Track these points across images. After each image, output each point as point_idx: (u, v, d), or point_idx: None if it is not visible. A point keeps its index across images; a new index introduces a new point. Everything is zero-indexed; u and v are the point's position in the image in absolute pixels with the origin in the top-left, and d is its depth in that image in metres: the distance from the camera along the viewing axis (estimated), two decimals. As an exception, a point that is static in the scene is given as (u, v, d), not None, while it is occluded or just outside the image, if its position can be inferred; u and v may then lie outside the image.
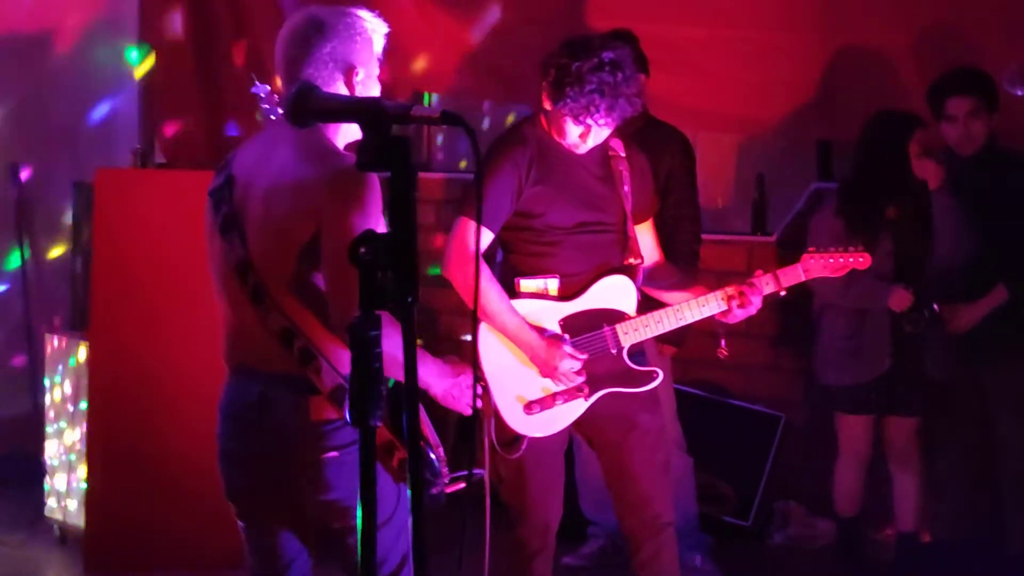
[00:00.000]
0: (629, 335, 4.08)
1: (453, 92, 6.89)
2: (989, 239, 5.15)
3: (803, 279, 4.17)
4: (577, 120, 3.97)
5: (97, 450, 5.52)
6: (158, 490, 5.41)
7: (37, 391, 6.50)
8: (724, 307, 4.08)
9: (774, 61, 6.11)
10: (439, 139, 7.35)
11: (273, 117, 3.47)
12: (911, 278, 5.22)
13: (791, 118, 6.19)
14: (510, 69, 6.44)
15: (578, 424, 4.14)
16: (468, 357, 3.24)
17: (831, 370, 5.41)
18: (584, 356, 4.02)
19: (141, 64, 7.15)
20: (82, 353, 5.69)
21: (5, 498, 6.38)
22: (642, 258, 4.17)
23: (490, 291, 3.94)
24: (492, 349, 4.00)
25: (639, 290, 4.17)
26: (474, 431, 3.12)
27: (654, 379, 4.12)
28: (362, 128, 2.26)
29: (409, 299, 2.12)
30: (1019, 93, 5.27)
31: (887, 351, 5.27)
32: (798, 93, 6.14)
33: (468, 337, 5.83)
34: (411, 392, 2.16)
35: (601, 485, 4.35)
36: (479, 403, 3.90)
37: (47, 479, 6.00)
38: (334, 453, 3.08)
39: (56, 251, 6.99)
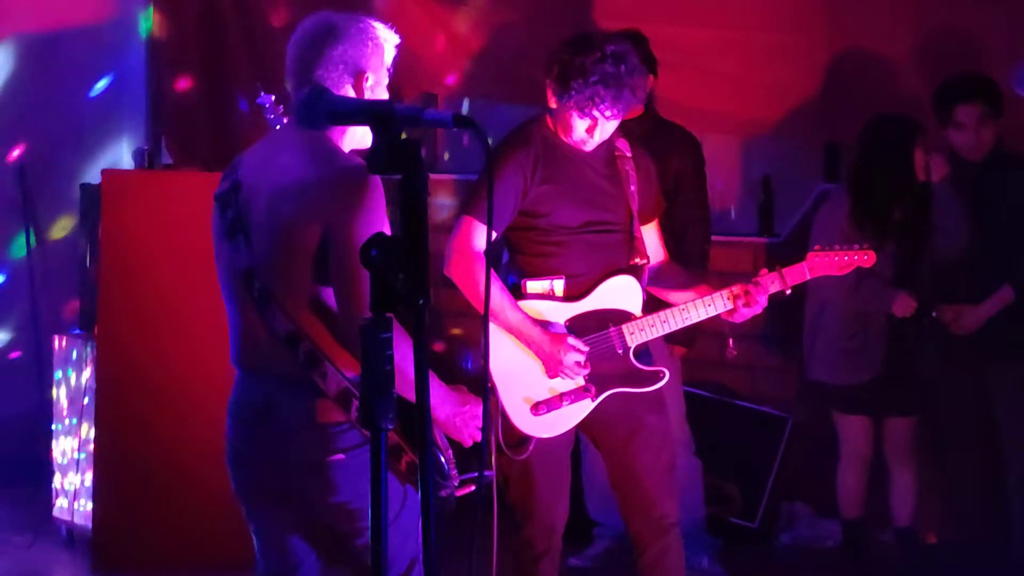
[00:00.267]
0: (635, 335, 4.08)
1: (459, 94, 6.89)
2: (996, 240, 5.17)
3: (808, 277, 4.17)
4: (583, 113, 3.97)
5: (105, 451, 5.52)
6: (166, 490, 5.42)
7: (44, 392, 6.50)
8: (730, 306, 4.08)
9: (781, 63, 6.12)
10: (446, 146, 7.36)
11: (278, 127, 3.48)
12: (915, 279, 5.23)
13: (798, 120, 6.20)
14: (517, 70, 6.45)
15: (584, 424, 4.14)
16: (476, 364, 3.23)
17: (830, 369, 5.41)
18: (587, 348, 4.02)
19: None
20: (89, 354, 5.69)
21: (13, 498, 6.40)
22: (648, 258, 4.17)
23: (492, 287, 3.94)
24: (499, 350, 3.99)
25: (645, 290, 4.17)
26: (483, 433, 3.12)
27: (660, 379, 4.12)
28: (373, 131, 2.27)
29: (420, 301, 2.13)
30: None
31: (882, 354, 5.28)
32: (805, 95, 6.14)
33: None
34: (421, 395, 2.16)
35: (607, 486, 4.35)
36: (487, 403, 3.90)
37: (55, 479, 6.01)
38: (340, 456, 3.08)
39: (63, 251, 7.00)
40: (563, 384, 4.05)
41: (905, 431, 5.45)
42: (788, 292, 4.14)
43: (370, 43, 3.19)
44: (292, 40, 3.22)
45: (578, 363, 4.00)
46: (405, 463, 3.12)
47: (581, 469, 5.54)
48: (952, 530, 5.65)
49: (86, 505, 5.67)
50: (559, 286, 4.06)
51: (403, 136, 2.23)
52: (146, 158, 6.00)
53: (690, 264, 5.06)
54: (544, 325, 4.02)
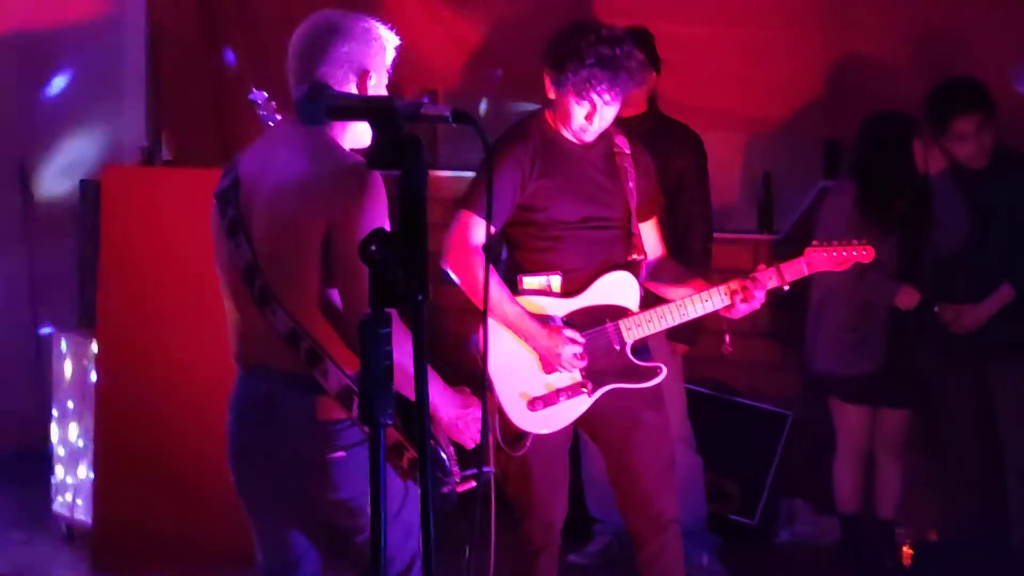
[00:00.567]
0: (632, 331, 4.09)
1: (459, 90, 6.89)
2: (996, 238, 5.17)
3: (806, 273, 4.16)
4: (580, 97, 3.97)
5: (105, 448, 5.53)
6: (166, 487, 5.42)
7: (44, 389, 6.51)
8: (727, 302, 4.08)
9: (782, 60, 6.13)
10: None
11: (271, 124, 3.47)
12: (918, 272, 5.24)
13: (798, 117, 6.21)
14: (517, 67, 6.45)
15: (582, 420, 4.15)
16: (476, 364, 3.22)
17: (833, 360, 5.42)
18: (584, 340, 4.02)
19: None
20: (90, 351, 5.69)
21: (13, 495, 6.40)
22: (645, 254, 4.17)
23: (489, 281, 3.94)
24: (495, 345, 3.99)
25: (642, 286, 4.18)
26: (483, 429, 3.12)
27: (658, 375, 4.12)
28: (373, 127, 2.27)
29: (420, 296, 2.13)
30: None
31: (885, 345, 5.29)
32: (805, 92, 6.15)
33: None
34: (420, 389, 2.16)
35: (607, 483, 4.36)
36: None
37: (55, 476, 6.01)
38: (341, 453, 3.09)
39: (63, 247, 7.00)
40: (560, 380, 4.05)
41: (898, 424, 5.48)
42: (786, 288, 4.14)
43: (374, 43, 3.20)
44: (295, 37, 3.22)
45: (576, 355, 4.00)
46: (407, 460, 3.12)
47: (581, 466, 5.54)
48: (951, 528, 5.66)
49: (86, 502, 5.67)
50: (556, 282, 4.07)
51: (404, 131, 2.23)
52: (146, 154, 6.00)
53: (693, 261, 5.06)
54: (541, 319, 4.02)
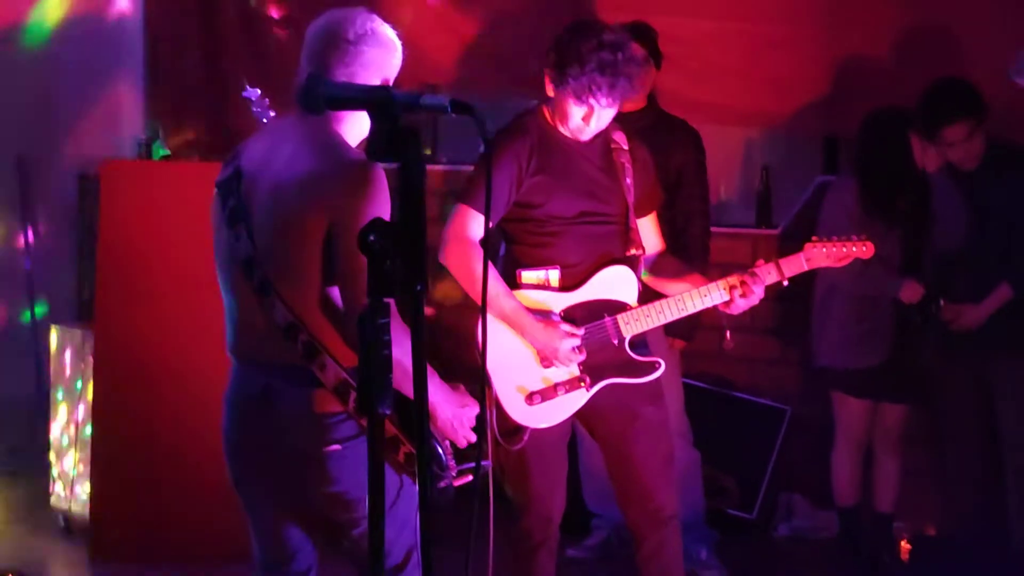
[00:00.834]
0: (630, 325, 4.08)
1: (458, 84, 6.88)
2: (994, 237, 5.18)
3: (806, 268, 4.16)
4: (579, 100, 3.96)
5: (102, 441, 5.52)
6: (163, 481, 5.42)
7: (41, 381, 6.50)
8: (726, 297, 4.07)
9: (781, 55, 6.13)
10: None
11: (265, 120, 3.47)
12: (920, 267, 5.25)
13: (797, 112, 6.21)
14: (517, 61, 6.44)
15: (580, 415, 4.14)
16: (474, 358, 3.21)
17: (837, 354, 5.42)
18: (581, 331, 4.01)
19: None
20: (87, 343, 5.69)
21: (10, 488, 6.40)
22: (643, 249, 4.16)
23: (487, 276, 3.93)
24: (493, 340, 3.99)
25: (640, 281, 4.17)
26: (481, 423, 3.12)
27: (656, 369, 4.12)
28: (372, 117, 2.26)
29: (418, 287, 2.13)
30: None
31: (890, 339, 5.30)
32: (804, 87, 6.15)
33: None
34: (419, 381, 2.16)
35: (605, 477, 4.35)
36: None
37: (52, 469, 6.01)
38: (337, 446, 3.08)
39: (61, 240, 7.00)
40: (558, 374, 4.05)
41: (898, 418, 5.48)
42: (786, 283, 4.13)
43: (388, 44, 3.22)
44: (312, 30, 3.22)
45: (574, 349, 4.00)
46: (403, 454, 3.12)
47: (579, 460, 5.54)
48: (950, 523, 5.66)
49: (83, 495, 5.67)
50: (554, 276, 4.06)
51: (402, 121, 2.22)
52: (144, 148, 6.00)
53: (692, 257, 5.06)
54: (538, 314, 4.01)
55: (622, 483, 4.20)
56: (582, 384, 4.06)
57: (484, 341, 2.86)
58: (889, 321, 5.30)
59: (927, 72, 5.53)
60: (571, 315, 4.06)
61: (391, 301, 2.22)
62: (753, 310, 4.15)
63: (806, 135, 6.32)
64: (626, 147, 4.18)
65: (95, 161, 6.06)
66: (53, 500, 5.98)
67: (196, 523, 5.36)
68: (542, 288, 4.06)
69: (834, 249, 4.16)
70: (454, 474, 3.23)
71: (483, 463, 3.79)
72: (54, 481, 5.99)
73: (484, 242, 3.41)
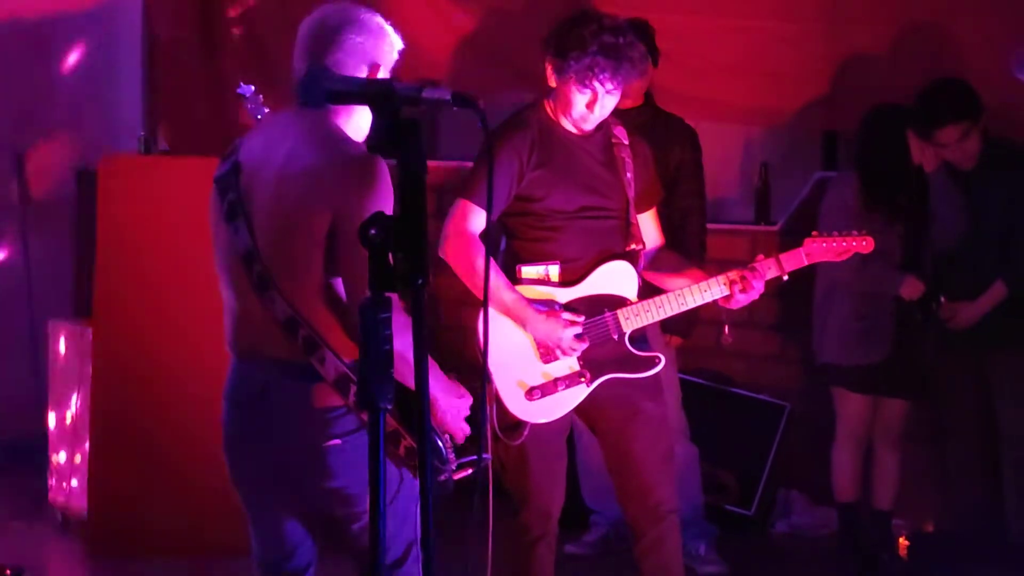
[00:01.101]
0: (631, 320, 4.08)
1: (456, 80, 6.88)
2: (989, 236, 5.19)
3: (805, 263, 4.16)
4: (582, 84, 3.96)
5: (100, 437, 5.52)
6: (162, 477, 5.42)
7: (40, 377, 6.50)
8: (726, 292, 4.07)
9: (779, 51, 6.13)
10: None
11: (259, 117, 3.46)
12: (920, 264, 5.26)
13: (796, 108, 6.20)
14: (515, 57, 6.44)
15: (580, 410, 4.14)
16: (471, 357, 3.21)
17: (840, 350, 5.42)
18: (582, 319, 4.01)
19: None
20: (86, 339, 5.69)
21: (8, 484, 6.39)
22: (644, 244, 4.16)
23: (488, 270, 3.93)
24: (494, 334, 3.98)
25: (640, 276, 4.17)
26: (480, 417, 3.12)
27: (656, 364, 4.11)
28: (373, 111, 2.26)
29: (419, 281, 2.12)
30: None
31: (891, 336, 5.30)
32: (803, 83, 6.15)
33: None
34: (420, 375, 2.16)
35: (603, 473, 4.35)
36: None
37: (50, 465, 6.00)
38: (337, 441, 3.07)
39: (59, 236, 6.99)
40: (558, 369, 4.05)
41: (898, 414, 5.48)
42: (785, 277, 4.13)
43: (386, 38, 3.22)
44: (308, 24, 3.22)
45: (576, 337, 3.99)
46: (404, 448, 3.11)
47: (576, 455, 5.54)
48: (948, 520, 5.66)
49: (81, 491, 5.66)
50: (554, 271, 4.06)
51: (403, 114, 2.22)
52: (143, 143, 5.99)
53: (689, 254, 5.06)
54: (539, 304, 4.01)
55: (622, 478, 4.20)
56: (582, 379, 4.06)
57: (486, 336, 2.86)
58: (890, 318, 5.30)
59: (927, 68, 5.55)
60: (571, 310, 4.06)
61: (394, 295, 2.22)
62: (752, 305, 4.16)
63: (806, 131, 6.33)
64: (627, 142, 4.18)
65: (93, 156, 6.05)
66: (51, 496, 5.98)
67: (194, 519, 5.36)
68: (542, 283, 4.06)
69: (834, 244, 4.17)
70: (454, 467, 3.23)
71: (484, 456, 3.79)
72: (52, 478, 5.98)
73: (485, 236, 3.41)
